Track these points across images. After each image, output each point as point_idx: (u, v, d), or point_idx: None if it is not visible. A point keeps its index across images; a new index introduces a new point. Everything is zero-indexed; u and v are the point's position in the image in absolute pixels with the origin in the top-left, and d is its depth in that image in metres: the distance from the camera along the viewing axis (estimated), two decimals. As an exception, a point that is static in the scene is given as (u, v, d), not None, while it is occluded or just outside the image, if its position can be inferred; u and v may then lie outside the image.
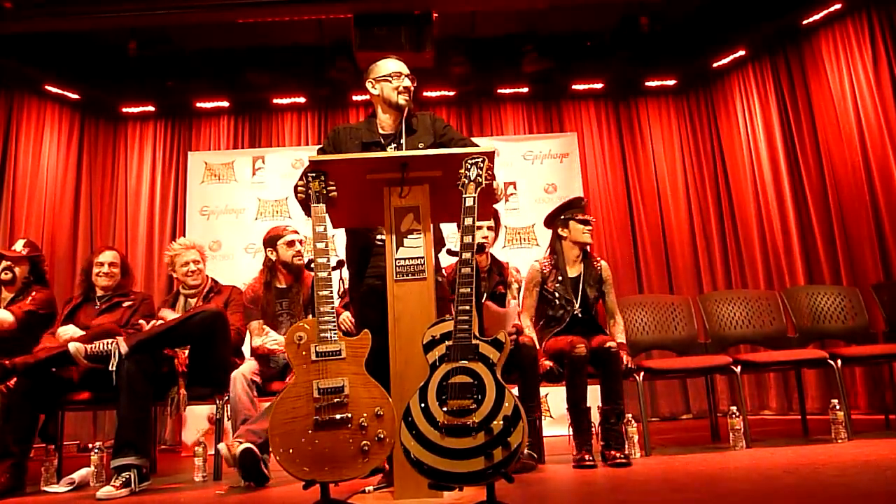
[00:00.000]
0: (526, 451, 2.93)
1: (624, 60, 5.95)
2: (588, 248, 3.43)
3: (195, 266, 3.55)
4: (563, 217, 3.40)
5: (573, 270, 3.38)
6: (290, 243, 3.44)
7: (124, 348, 2.87)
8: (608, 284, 3.41)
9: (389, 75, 2.62)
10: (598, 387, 3.16)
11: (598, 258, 3.48)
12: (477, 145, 2.64)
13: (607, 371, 3.05)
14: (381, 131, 2.65)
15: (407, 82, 2.61)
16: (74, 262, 5.77)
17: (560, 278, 3.33)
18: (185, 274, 3.54)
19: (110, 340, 2.95)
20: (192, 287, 3.56)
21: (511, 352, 2.84)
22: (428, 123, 2.68)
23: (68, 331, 3.28)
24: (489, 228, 3.33)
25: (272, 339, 3.27)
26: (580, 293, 3.31)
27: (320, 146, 2.77)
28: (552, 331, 3.31)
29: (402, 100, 2.60)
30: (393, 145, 2.60)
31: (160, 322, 3.26)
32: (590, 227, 3.37)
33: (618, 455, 2.84)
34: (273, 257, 3.46)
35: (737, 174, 6.02)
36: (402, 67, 2.65)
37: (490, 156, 2.16)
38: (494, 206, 2.73)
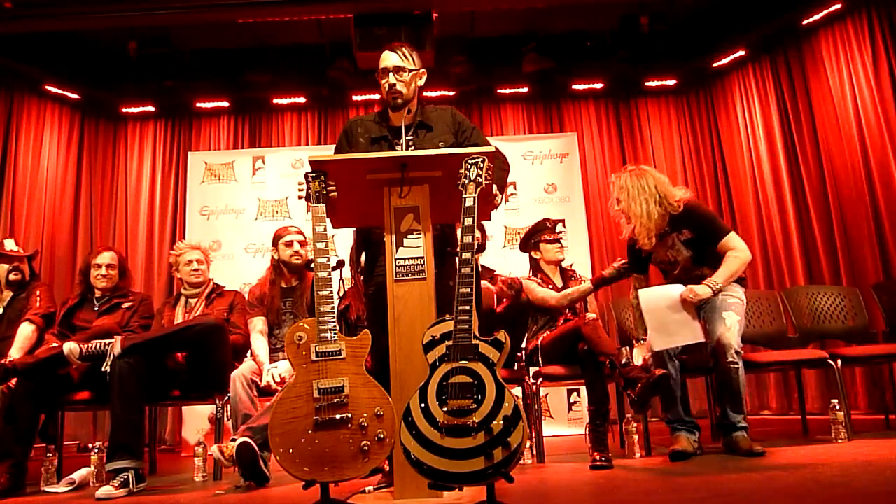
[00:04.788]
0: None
1: (624, 60, 5.95)
2: (562, 264, 3.70)
3: (198, 266, 3.57)
4: (532, 241, 3.66)
5: (557, 281, 3.63)
6: (289, 243, 3.47)
7: (118, 349, 2.86)
8: (591, 295, 3.62)
9: (378, 73, 2.52)
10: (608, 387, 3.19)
11: (579, 275, 3.70)
12: (499, 152, 2.61)
13: (590, 371, 3.04)
14: (390, 124, 2.55)
15: (392, 79, 2.47)
16: (74, 262, 5.77)
17: (551, 286, 3.56)
18: (189, 273, 3.56)
19: (107, 341, 2.96)
20: (193, 287, 3.57)
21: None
22: (449, 121, 2.57)
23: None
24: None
25: (277, 372, 3.22)
26: None
27: (336, 144, 2.68)
28: (544, 331, 3.44)
29: (392, 101, 2.49)
30: (406, 138, 2.49)
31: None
32: (559, 245, 3.62)
33: (599, 458, 2.82)
34: (276, 256, 3.50)
35: (737, 174, 6.02)
36: (389, 61, 2.49)
37: (490, 156, 2.16)
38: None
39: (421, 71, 2.58)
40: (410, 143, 2.50)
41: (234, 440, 2.77)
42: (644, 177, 3.06)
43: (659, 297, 2.93)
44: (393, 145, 2.52)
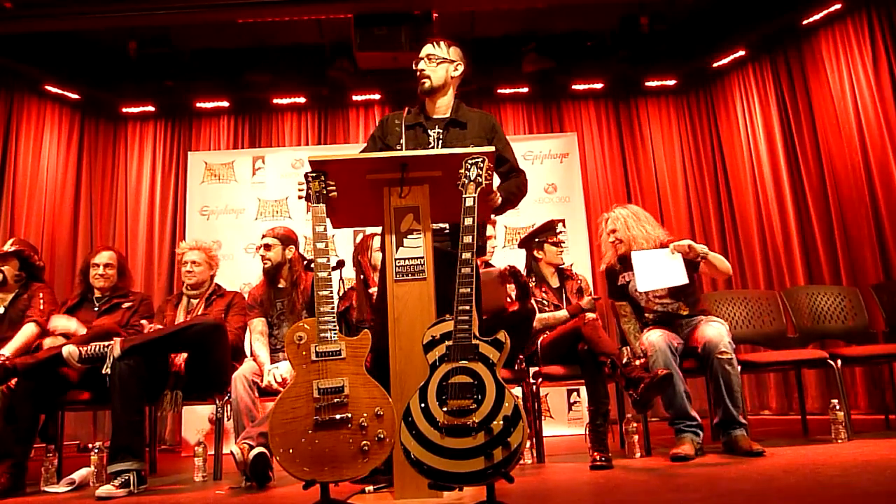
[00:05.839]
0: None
1: (624, 60, 5.95)
2: (561, 266, 3.74)
3: (192, 267, 3.55)
4: (537, 240, 3.69)
5: (553, 282, 3.67)
6: (258, 248, 3.55)
7: (118, 351, 2.86)
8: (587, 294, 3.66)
9: (415, 63, 2.64)
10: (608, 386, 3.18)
11: (575, 274, 3.73)
12: (520, 171, 2.64)
13: (591, 371, 3.03)
14: (426, 114, 2.64)
15: (422, 65, 2.61)
16: (74, 262, 5.77)
17: (545, 290, 3.60)
18: (184, 273, 3.57)
19: (106, 343, 2.95)
20: (190, 287, 3.56)
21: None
22: (487, 126, 2.64)
23: (62, 321, 3.31)
24: None
25: (279, 372, 3.22)
26: (565, 299, 3.56)
27: (368, 143, 2.74)
28: (543, 333, 3.44)
29: (420, 85, 2.60)
30: (437, 130, 2.58)
31: (155, 327, 3.28)
32: (562, 249, 3.70)
33: (599, 458, 2.81)
34: None
35: (737, 174, 6.02)
36: (422, 51, 2.64)
37: (490, 156, 2.16)
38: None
39: (456, 63, 2.68)
40: (440, 138, 2.56)
41: (250, 446, 2.77)
42: (636, 211, 3.41)
43: (649, 251, 3.21)
44: (427, 131, 2.58)
